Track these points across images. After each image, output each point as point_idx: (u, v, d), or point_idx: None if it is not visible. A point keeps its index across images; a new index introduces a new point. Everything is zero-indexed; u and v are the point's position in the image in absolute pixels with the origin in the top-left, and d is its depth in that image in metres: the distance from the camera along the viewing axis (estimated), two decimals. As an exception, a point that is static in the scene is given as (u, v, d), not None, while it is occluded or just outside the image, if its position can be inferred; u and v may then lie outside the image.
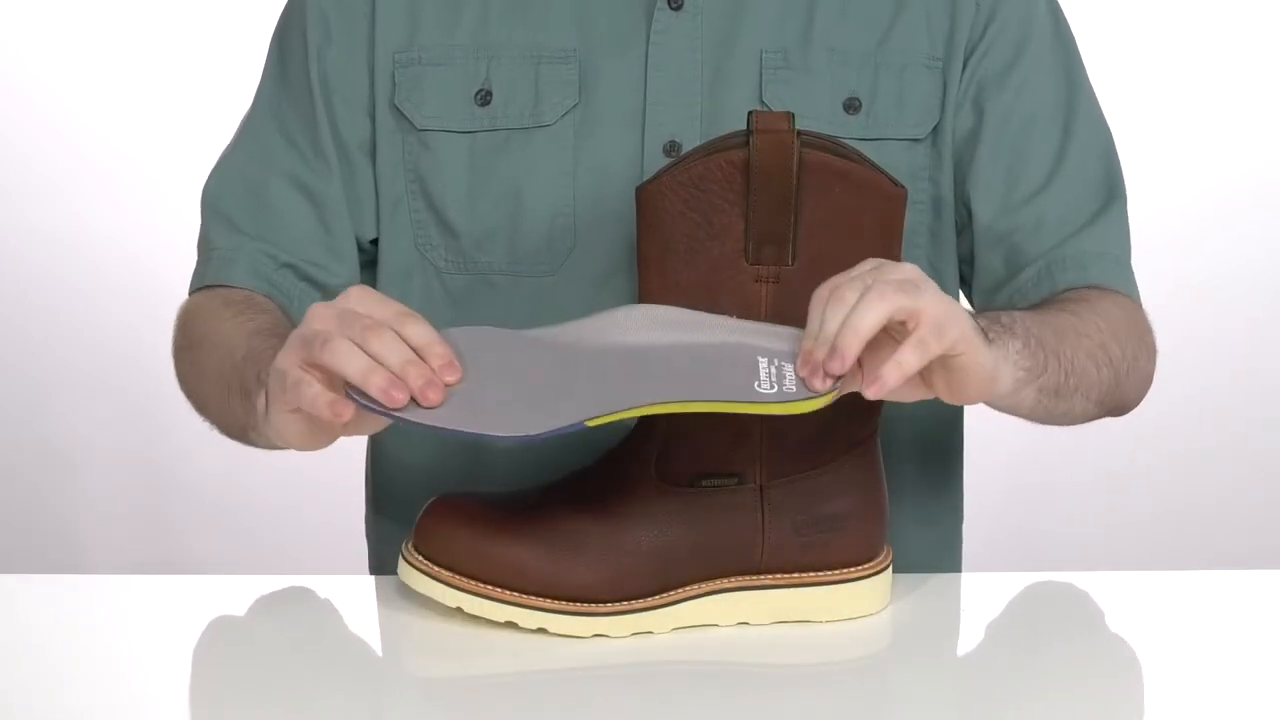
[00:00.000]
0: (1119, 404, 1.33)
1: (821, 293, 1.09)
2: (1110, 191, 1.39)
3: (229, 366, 1.25)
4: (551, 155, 1.33)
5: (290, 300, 1.36)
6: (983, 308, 1.37)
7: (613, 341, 1.10)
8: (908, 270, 1.09)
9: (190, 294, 1.40)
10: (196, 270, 1.40)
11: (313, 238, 1.37)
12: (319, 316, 1.10)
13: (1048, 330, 1.22)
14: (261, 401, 1.17)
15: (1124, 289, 1.36)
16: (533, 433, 1.06)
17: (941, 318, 1.07)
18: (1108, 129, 1.41)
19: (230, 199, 1.39)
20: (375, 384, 1.05)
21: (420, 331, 1.08)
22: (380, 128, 1.37)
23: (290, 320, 1.32)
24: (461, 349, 1.09)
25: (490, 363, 1.09)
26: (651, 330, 1.10)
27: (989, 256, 1.37)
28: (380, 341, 1.07)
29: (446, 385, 1.07)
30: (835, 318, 1.06)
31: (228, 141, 1.42)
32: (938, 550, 1.43)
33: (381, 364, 1.06)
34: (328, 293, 1.37)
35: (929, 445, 1.41)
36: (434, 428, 1.07)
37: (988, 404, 1.19)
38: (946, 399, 1.13)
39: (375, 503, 1.47)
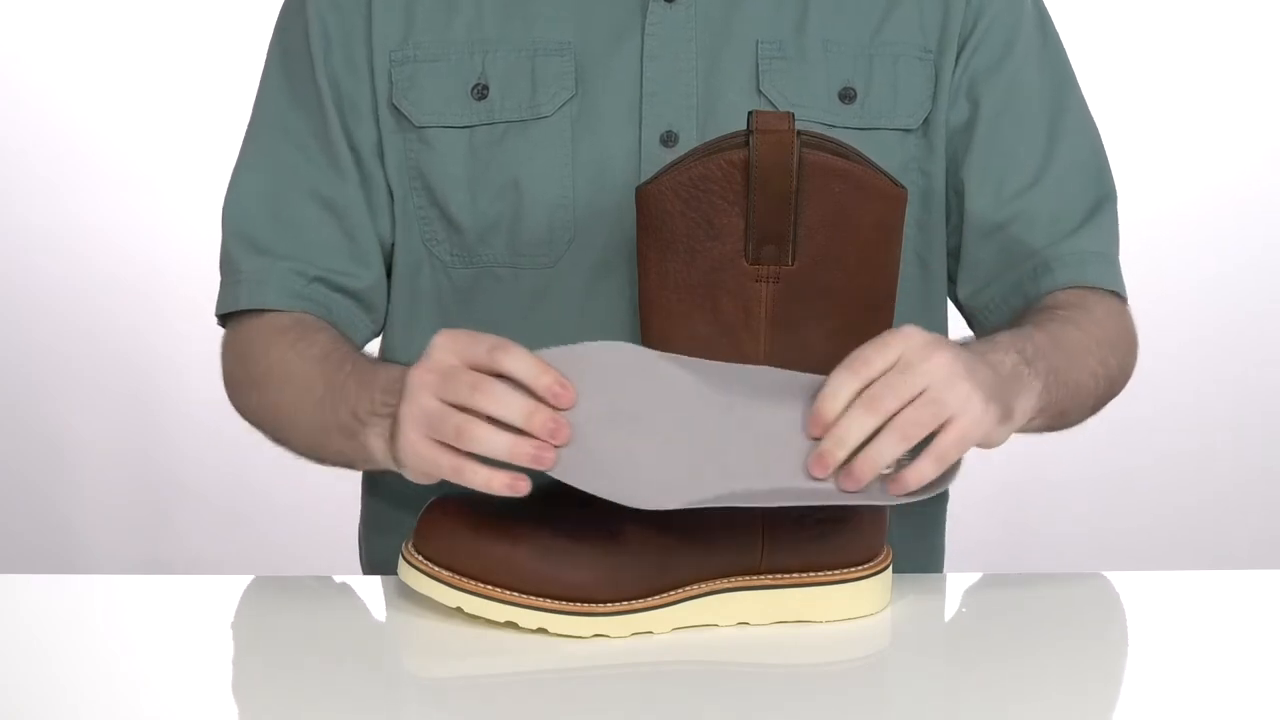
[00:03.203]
0: (1103, 406, 1.36)
1: (851, 380, 1.09)
2: (1102, 188, 1.40)
3: (311, 404, 1.27)
4: (549, 147, 1.34)
5: (329, 312, 1.37)
6: (995, 326, 1.37)
7: (743, 413, 1.11)
8: (941, 367, 1.10)
9: (220, 315, 1.40)
10: (223, 293, 1.39)
11: (338, 247, 1.37)
12: (423, 385, 1.12)
13: (1062, 356, 1.25)
14: (377, 444, 1.20)
15: (1116, 288, 1.38)
16: (669, 506, 1.09)
17: (967, 428, 1.11)
18: (1095, 126, 1.43)
19: (251, 219, 1.38)
20: (524, 456, 1.09)
21: (521, 364, 1.10)
22: (383, 127, 1.37)
23: (341, 333, 1.34)
24: (575, 373, 1.10)
25: (614, 399, 1.10)
26: (777, 402, 1.11)
27: (980, 250, 1.38)
28: (496, 402, 1.10)
29: (565, 412, 1.09)
30: (859, 428, 1.08)
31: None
32: (919, 529, 1.43)
33: (509, 423, 1.09)
34: (359, 297, 1.38)
35: None
36: (580, 489, 1.09)
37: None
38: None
39: (369, 505, 1.47)
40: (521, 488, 1.10)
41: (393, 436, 1.16)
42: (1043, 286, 1.35)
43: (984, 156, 1.37)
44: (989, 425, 1.13)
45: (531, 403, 1.09)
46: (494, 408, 1.09)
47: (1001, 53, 1.38)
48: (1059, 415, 1.26)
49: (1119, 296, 1.38)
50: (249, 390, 1.36)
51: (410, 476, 1.17)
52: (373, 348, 1.42)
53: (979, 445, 1.14)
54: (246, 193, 1.39)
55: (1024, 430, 1.25)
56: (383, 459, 1.21)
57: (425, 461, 1.13)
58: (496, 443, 1.09)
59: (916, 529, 1.42)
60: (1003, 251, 1.37)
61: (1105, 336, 1.32)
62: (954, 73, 1.38)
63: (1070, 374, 1.26)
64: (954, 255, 1.40)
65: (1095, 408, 1.33)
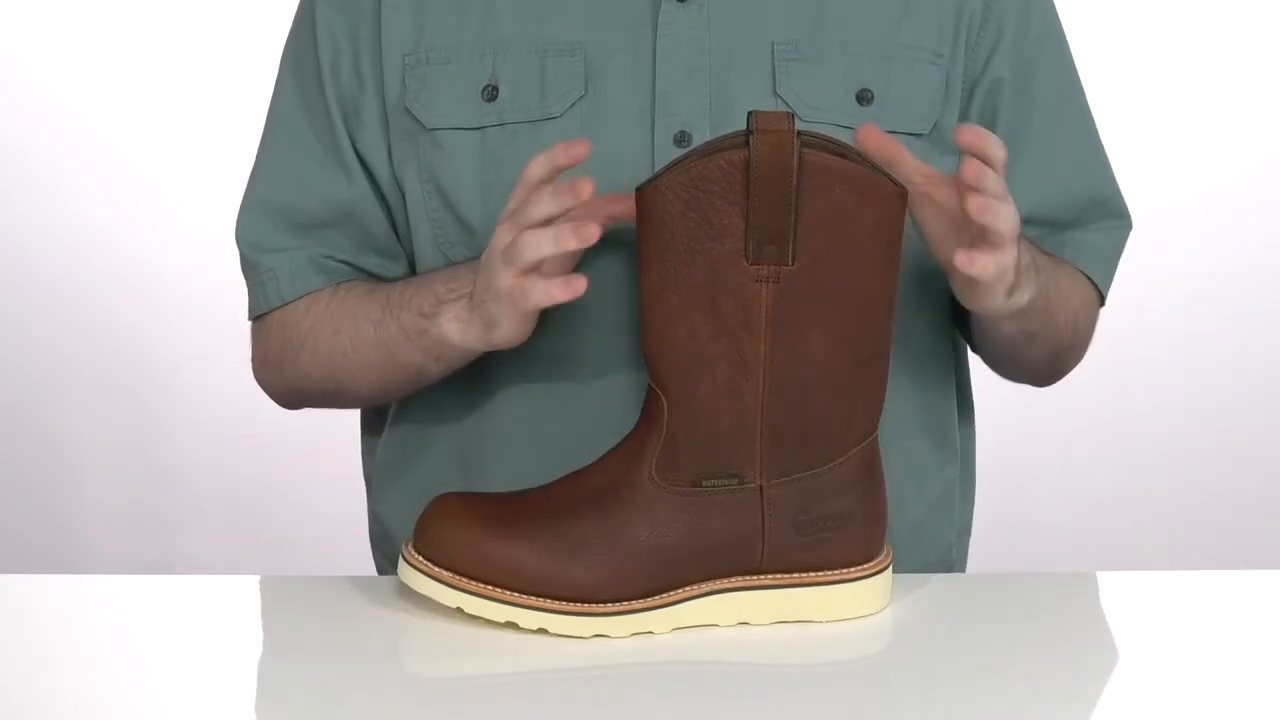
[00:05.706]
0: (1056, 367, 1.44)
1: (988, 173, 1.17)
2: (1111, 202, 1.44)
3: (371, 328, 1.34)
4: None
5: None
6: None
7: None
8: (1017, 220, 1.20)
9: (255, 318, 1.42)
10: (254, 295, 1.41)
11: (360, 245, 1.39)
12: (498, 236, 1.23)
13: (1054, 283, 1.33)
14: (451, 326, 1.28)
15: (1103, 287, 1.43)
16: None
17: (1007, 267, 1.20)
18: (1096, 128, 1.46)
19: (269, 230, 1.40)
20: (565, 239, 1.18)
21: (531, 169, 1.22)
22: (394, 131, 1.37)
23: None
24: None
25: None
26: None
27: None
28: (532, 207, 1.20)
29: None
30: (999, 189, 1.17)
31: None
32: (935, 508, 1.43)
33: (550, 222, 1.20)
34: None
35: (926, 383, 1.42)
36: None
37: (979, 311, 1.29)
38: (956, 295, 1.27)
39: (375, 516, 1.47)
40: (579, 286, 1.19)
41: (475, 305, 1.25)
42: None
43: (1028, 160, 1.39)
44: (1003, 288, 1.22)
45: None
46: (533, 212, 1.20)
47: (1016, 57, 1.39)
48: (1030, 334, 1.35)
49: (1100, 298, 1.43)
50: (296, 354, 1.39)
51: (504, 326, 1.24)
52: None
53: (982, 305, 1.24)
54: (263, 207, 1.41)
55: (1000, 333, 1.35)
56: (459, 338, 1.27)
57: (500, 293, 1.22)
58: (544, 240, 1.19)
59: (931, 506, 1.42)
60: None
61: (1078, 298, 1.39)
62: (964, 78, 1.38)
63: (1051, 298, 1.33)
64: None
65: (1051, 356, 1.40)
